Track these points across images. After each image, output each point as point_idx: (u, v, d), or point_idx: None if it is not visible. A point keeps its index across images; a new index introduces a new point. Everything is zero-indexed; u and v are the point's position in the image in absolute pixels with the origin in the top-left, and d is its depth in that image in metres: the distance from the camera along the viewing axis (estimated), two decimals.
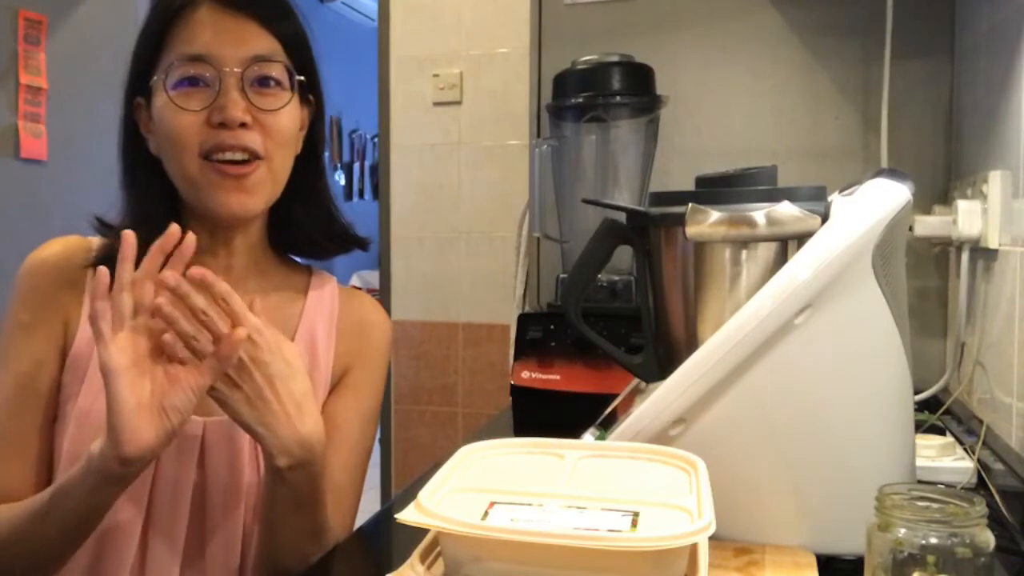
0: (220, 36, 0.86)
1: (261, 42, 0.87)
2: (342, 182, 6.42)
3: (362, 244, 1.02)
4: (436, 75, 2.47)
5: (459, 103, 2.47)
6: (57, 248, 0.91)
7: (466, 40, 2.46)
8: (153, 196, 0.90)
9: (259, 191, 0.87)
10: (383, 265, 2.58)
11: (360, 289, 1.19)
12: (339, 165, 6.36)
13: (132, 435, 0.71)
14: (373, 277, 3.44)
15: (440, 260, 2.52)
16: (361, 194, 6.60)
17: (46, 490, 0.79)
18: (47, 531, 0.78)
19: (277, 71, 0.88)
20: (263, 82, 0.87)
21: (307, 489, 0.80)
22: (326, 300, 0.98)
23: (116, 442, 0.71)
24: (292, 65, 0.90)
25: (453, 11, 2.46)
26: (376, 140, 2.90)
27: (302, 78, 0.91)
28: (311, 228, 0.97)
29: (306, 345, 0.95)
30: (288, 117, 0.89)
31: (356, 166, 6.56)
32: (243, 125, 0.84)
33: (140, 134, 0.91)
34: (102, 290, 0.72)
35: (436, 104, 2.49)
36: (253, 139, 0.85)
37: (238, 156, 0.85)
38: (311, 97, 0.95)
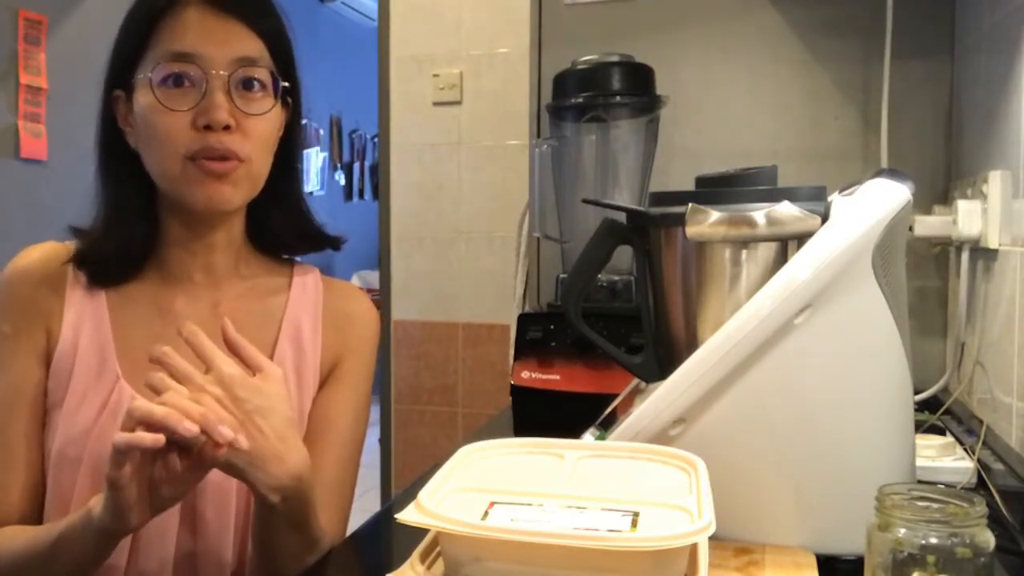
0: (207, 35, 0.86)
1: (247, 44, 0.88)
2: (342, 182, 6.40)
3: (335, 244, 1.02)
4: (436, 75, 2.47)
5: (459, 103, 2.47)
6: (36, 255, 0.92)
7: (466, 40, 2.46)
8: (131, 189, 0.91)
9: (239, 186, 0.87)
10: (383, 265, 2.58)
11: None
12: (339, 165, 6.34)
13: (131, 521, 0.73)
14: (373, 277, 3.44)
15: (440, 260, 2.52)
16: (361, 194, 6.58)
17: (49, 533, 0.79)
18: (52, 572, 0.79)
19: (262, 74, 0.89)
20: (248, 84, 0.88)
21: (299, 512, 0.80)
22: (310, 292, 0.99)
23: (115, 520, 0.72)
24: (276, 68, 0.90)
25: (453, 11, 2.46)
26: (376, 140, 2.89)
27: (286, 84, 0.92)
28: (286, 229, 0.98)
29: (292, 339, 0.95)
30: (269, 122, 0.90)
31: (356, 166, 6.55)
32: (226, 128, 0.85)
33: (118, 127, 0.91)
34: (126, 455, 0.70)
35: (436, 104, 2.49)
36: (235, 142, 0.86)
37: (219, 153, 0.85)
38: (289, 100, 0.95)
